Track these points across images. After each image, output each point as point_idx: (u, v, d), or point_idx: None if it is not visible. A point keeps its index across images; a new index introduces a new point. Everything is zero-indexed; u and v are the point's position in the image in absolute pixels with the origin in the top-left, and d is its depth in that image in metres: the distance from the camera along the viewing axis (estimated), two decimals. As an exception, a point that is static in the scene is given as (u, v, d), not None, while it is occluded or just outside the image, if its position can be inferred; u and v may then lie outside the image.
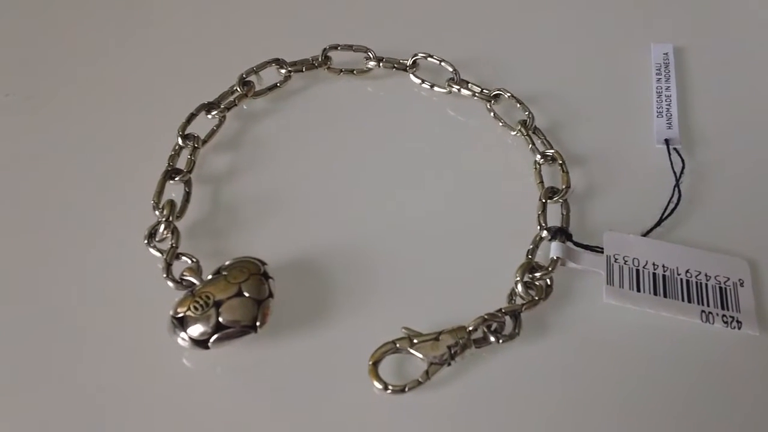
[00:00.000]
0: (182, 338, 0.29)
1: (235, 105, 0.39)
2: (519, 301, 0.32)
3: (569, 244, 0.33)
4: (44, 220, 0.35)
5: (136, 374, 0.31)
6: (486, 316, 0.30)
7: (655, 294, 0.32)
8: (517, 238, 0.34)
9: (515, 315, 0.31)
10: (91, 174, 0.37)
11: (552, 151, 0.36)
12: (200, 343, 0.29)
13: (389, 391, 0.29)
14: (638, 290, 0.32)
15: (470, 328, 0.30)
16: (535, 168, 0.36)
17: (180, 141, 0.36)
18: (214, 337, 0.29)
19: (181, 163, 0.36)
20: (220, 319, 0.29)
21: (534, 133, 0.38)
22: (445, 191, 0.36)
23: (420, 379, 0.29)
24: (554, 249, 0.33)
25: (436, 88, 0.40)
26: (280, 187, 0.37)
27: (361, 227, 0.35)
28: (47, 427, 0.29)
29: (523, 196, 0.36)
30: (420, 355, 0.30)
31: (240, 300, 0.30)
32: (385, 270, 0.34)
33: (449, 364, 0.30)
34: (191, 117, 0.37)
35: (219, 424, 0.30)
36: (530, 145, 0.37)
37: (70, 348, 0.31)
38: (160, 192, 0.34)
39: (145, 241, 0.33)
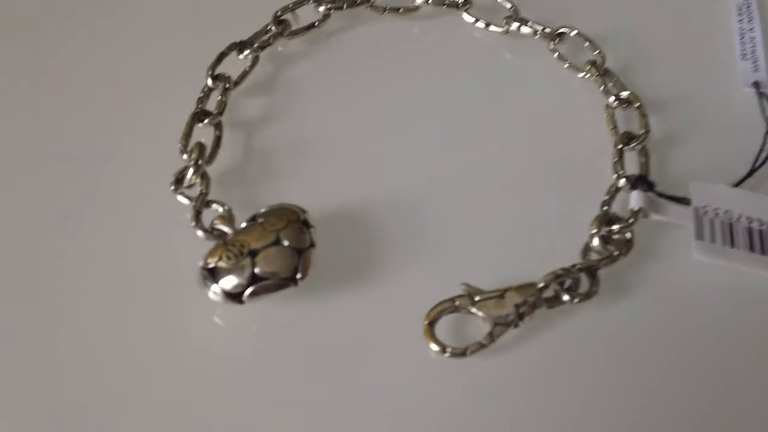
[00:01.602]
0: (214, 292, 0.26)
1: (270, 45, 0.35)
2: (595, 257, 0.28)
3: (651, 194, 0.29)
4: (64, 162, 0.32)
5: (162, 334, 0.27)
6: (559, 272, 0.26)
7: (752, 250, 0.28)
8: (589, 188, 0.30)
9: (591, 272, 0.27)
10: (113, 117, 0.33)
11: (627, 92, 0.32)
12: (234, 296, 0.26)
13: (447, 355, 0.26)
14: (732, 246, 0.28)
15: (540, 285, 0.26)
16: (608, 112, 0.32)
17: (209, 82, 0.32)
18: (249, 290, 0.26)
19: (211, 106, 0.32)
20: (256, 270, 0.26)
21: (604, 75, 0.33)
22: (505, 139, 0.32)
23: (483, 342, 0.26)
24: (635, 199, 0.29)
25: (491, 28, 0.36)
26: (318, 133, 0.33)
27: (411, 178, 0.31)
28: (67, 389, 0.27)
29: (594, 143, 0.32)
30: (482, 315, 0.26)
31: (278, 249, 0.26)
32: (439, 222, 0.30)
33: (516, 326, 0.26)
34: (221, 56, 0.33)
35: (254, 388, 0.26)
36: (601, 87, 0.33)
37: (89, 304, 0.28)
38: (188, 134, 0.31)
39: (172, 188, 0.29)
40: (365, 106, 0.34)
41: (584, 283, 0.27)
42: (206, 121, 0.31)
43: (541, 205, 0.30)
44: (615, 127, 0.32)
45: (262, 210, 0.28)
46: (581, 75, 0.34)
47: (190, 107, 0.32)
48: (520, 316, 0.26)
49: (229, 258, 0.26)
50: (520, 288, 0.26)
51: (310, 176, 0.32)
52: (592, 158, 0.31)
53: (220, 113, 0.32)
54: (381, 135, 0.33)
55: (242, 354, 0.27)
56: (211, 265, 0.26)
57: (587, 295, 0.27)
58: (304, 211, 0.28)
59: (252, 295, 0.26)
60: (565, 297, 0.26)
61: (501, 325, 0.26)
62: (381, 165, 0.32)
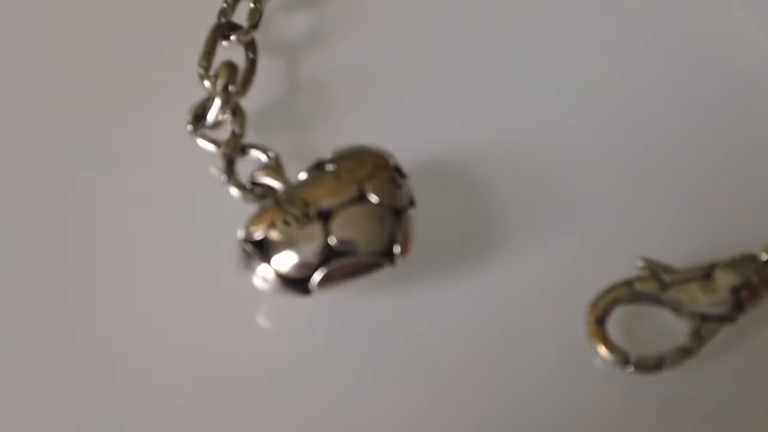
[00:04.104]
0: (263, 277, 0.17)
1: (315, -56, 0.26)
2: (823, 216, 0.19)
3: None
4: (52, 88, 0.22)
5: (181, 345, 0.19)
6: (794, 235, 0.18)
7: None
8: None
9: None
10: (112, 35, 0.24)
11: (810, -2, 0.24)
12: (296, 284, 0.17)
13: (632, 368, 0.17)
14: None
15: (766, 258, 0.17)
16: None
17: (236, -14, 0.23)
18: (321, 272, 0.17)
19: (240, 20, 0.23)
20: (332, 241, 0.17)
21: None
22: (662, 59, 0.23)
23: (688, 346, 0.17)
24: None
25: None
26: (389, 61, 0.23)
27: (528, 118, 0.22)
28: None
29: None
30: (677, 305, 0.17)
31: (365, 208, 0.17)
32: (576, 175, 0.21)
33: (733, 320, 0.17)
34: (251, -45, 0.24)
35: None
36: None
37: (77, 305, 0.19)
38: (209, 53, 0.21)
39: (189, 127, 0.20)
40: (456, 22, 0.24)
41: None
42: (233, 38, 0.22)
43: (723, 143, 0.21)
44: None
45: (330, 155, 0.19)
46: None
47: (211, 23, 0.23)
48: (739, 305, 0.17)
49: (287, 223, 0.17)
50: (734, 263, 0.17)
51: (382, 118, 0.22)
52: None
53: (254, 26, 0.22)
54: (481, 61, 0.23)
55: (300, 374, 0.18)
56: (259, 236, 0.17)
57: (833, 273, 0.18)
58: (391, 155, 0.19)
59: (325, 280, 0.17)
60: (797, 276, 0.18)
61: (712, 320, 0.17)
62: (483, 101, 0.23)
